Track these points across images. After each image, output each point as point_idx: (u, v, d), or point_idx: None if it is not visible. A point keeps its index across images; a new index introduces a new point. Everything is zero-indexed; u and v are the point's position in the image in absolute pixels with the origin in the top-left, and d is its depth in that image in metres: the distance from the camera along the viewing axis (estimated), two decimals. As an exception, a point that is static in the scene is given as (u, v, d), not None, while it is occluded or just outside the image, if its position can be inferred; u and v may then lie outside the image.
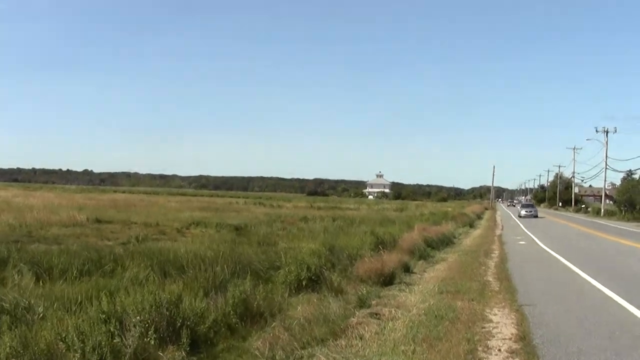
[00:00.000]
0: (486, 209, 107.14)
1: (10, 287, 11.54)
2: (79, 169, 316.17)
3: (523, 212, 79.37)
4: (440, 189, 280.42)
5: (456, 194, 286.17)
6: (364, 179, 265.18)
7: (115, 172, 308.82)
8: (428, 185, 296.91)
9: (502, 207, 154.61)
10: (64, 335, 8.23)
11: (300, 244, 20.22)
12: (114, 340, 8.62)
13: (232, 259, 15.57)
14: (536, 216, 77.72)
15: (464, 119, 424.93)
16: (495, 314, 12.66)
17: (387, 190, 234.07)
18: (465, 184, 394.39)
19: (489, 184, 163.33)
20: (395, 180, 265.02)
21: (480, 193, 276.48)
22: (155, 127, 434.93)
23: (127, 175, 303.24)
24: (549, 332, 10.86)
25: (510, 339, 10.48)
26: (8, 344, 7.67)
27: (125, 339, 8.76)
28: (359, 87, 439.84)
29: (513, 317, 12.40)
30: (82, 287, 11.53)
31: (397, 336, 10.17)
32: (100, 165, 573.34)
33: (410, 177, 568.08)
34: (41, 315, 9.43)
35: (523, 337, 10.50)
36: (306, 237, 25.00)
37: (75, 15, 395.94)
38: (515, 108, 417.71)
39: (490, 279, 18.09)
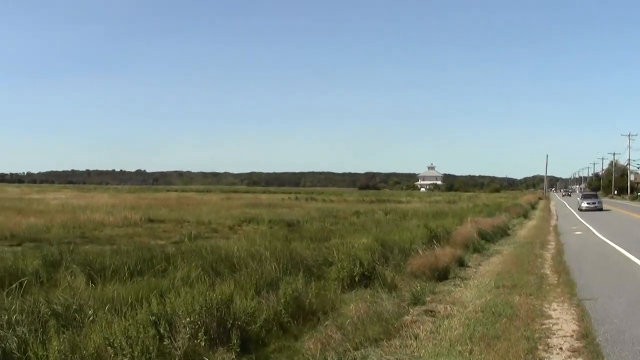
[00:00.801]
0: (540, 198, 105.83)
1: (62, 289, 11.51)
2: (132, 169, 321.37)
3: (584, 205, 62.06)
4: (492, 179, 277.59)
5: (509, 184, 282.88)
6: (416, 172, 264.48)
7: (168, 172, 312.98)
8: (480, 176, 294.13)
9: (556, 196, 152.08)
10: (112, 340, 8.12)
11: (353, 239, 19.99)
12: (164, 343, 8.49)
13: (283, 256, 15.43)
14: (601, 209, 61.16)
15: (515, 108, 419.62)
16: (554, 310, 12.24)
17: (439, 182, 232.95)
18: (518, 174, 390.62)
19: (542, 173, 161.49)
20: (447, 172, 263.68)
21: (533, 183, 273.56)
22: (205, 125, 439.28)
23: (179, 174, 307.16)
24: (612, 329, 10.38)
25: (571, 336, 10.07)
26: (56, 348, 7.58)
27: (175, 341, 8.63)
28: (408, 79, 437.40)
29: (573, 312, 11.97)
30: (133, 288, 11.48)
31: (453, 335, 9.85)
32: (153, 165, 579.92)
33: (462, 168, 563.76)
34: (91, 318, 9.34)
35: (585, 334, 10.06)
36: (358, 231, 24.77)
37: (121, 13, 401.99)
38: (568, 96, 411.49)
39: (548, 272, 17.62)
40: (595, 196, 68.75)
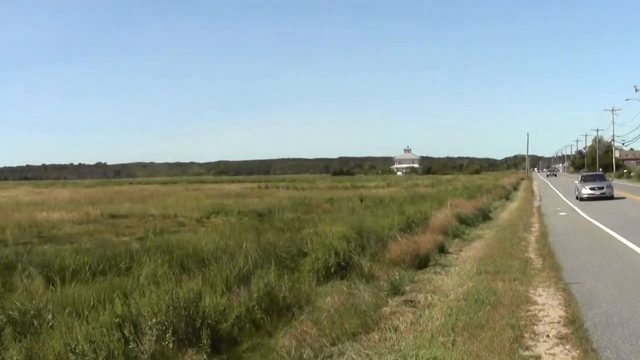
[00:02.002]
0: (522, 179, 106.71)
1: (19, 293, 11.38)
2: (92, 162, 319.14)
3: (586, 192, 44.79)
4: (472, 160, 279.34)
5: (489, 165, 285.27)
6: (392, 155, 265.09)
7: (130, 163, 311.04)
8: (459, 158, 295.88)
9: (538, 176, 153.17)
10: (73, 346, 8.02)
11: (327, 227, 19.97)
12: (129, 346, 8.41)
13: (255, 249, 15.38)
14: (612, 197, 44.69)
15: (493, 86, 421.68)
16: (540, 295, 12.32)
17: (416, 165, 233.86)
18: (499, 154, 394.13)
19: (524, 152, 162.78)
20: (424, 154, 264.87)
21: (514, 163, 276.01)
22: (169, 115, 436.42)
23: (143, 166, 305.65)
24: (600, 313, 10.47)
25: (558, 322, 10.14)
26: (13, 358, 7.46)
27: (141, 343, 8.55)
28: (380, 58, 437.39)
29: (560, 297, 12.06)
30: (95, 289, 11.39)
31: (434, 326, 9.87)
32: (114, 157, 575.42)
33: (439, 150, 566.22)
34: (51, 323, 9.22)
35: (572, 320, 10.13)
36: (333, 220, 24.76)
37: (81, 6, 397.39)
38: (549, 71, 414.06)
39: (532, 256, 17.73)
40: (602, 178, 50.12)
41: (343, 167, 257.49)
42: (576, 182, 49.93)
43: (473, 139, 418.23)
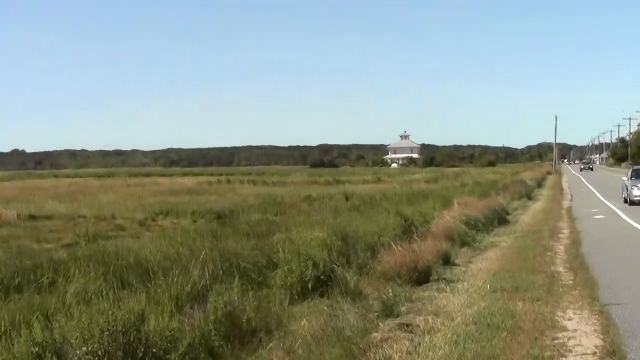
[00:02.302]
0: (548, 173, 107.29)
1: None
2: (6, 149, 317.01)
3: (639, 193, 40.55)
4: (485, 150, 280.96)
5: (507, 155, 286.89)
6: (385, 143, 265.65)
7: (55, 151, 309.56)
8: (469, 146, 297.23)
9: (569, 170, 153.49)
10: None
11: (304, 233, 19.98)
12: (52, 382, 8.37)
13: (213, 259, 15.35)
14: None
15: (513, 59, 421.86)
16: (570, 319, 12.38)
17: (415, 156, 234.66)
18: (519, 143, 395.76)
19: (551, 140, 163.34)
20: (426, 142, 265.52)
21: (539, 153, 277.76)
22: (104, 91, 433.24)
23: (72, 155, 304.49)
24: (649, 343, 10.51)
25: (594, 354, 10.18)
26: None
27: (68, 378, 8.51)
28: (372, 22, 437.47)
29: (595, 322, 12.11)
30: (8, 310, 11.30)
31: (437, 356, 9.92)
32: (35, 143, 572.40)
33: (445, 137, 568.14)
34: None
35: (612, 351, 10.16)
36: (311, 223, 24.78)
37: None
38: (582, 41, 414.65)
39: (561, 270, 17.84)
40: None
41: (324, 158, 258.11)
42: (624, 179, 46.50)
43: (487, 123, 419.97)
